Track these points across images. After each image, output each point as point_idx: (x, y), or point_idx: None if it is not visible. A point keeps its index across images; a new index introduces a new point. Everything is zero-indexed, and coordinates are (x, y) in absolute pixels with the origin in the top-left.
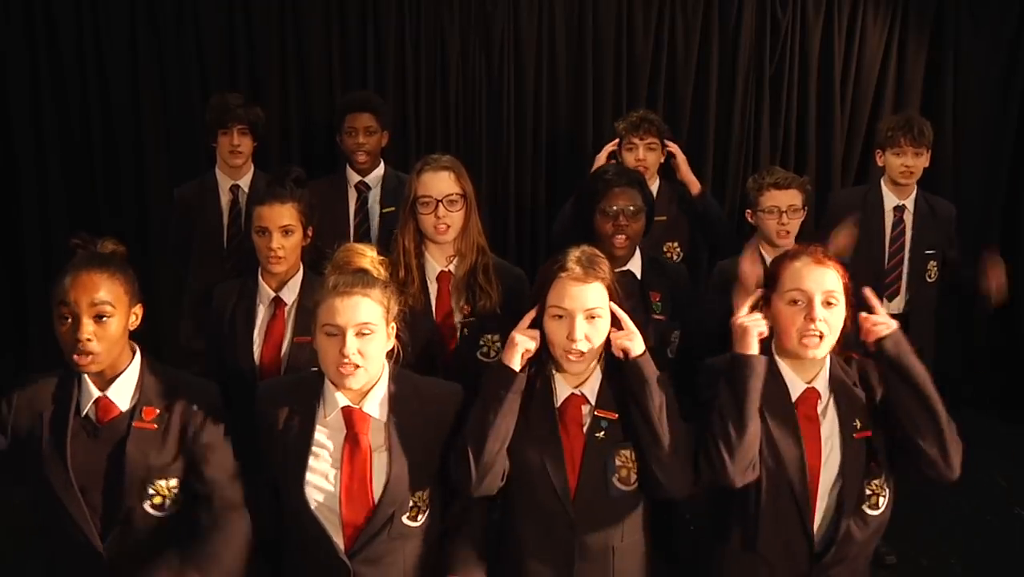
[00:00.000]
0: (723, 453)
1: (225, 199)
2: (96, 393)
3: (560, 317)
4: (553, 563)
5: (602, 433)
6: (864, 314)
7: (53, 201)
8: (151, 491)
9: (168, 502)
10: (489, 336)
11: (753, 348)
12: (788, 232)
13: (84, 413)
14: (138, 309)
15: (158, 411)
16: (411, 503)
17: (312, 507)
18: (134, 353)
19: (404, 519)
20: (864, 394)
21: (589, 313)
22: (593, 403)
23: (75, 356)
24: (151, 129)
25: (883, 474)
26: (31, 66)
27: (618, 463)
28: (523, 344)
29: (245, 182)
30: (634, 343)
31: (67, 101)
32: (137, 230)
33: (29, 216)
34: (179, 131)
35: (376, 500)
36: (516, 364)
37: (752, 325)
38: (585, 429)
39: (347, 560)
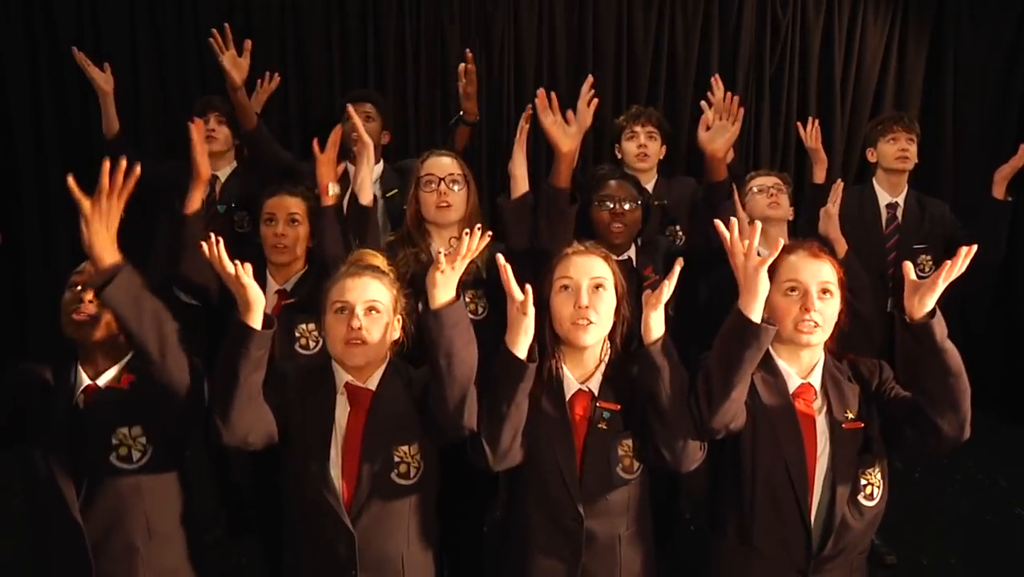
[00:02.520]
0: (703, 411)
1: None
2: (86, 381)
3: (566, 288)
4: (560, 555)
5: (604, 424)
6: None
7: (53, 201)
8: (115, 440)
9: (136, 454)
10: (472, 292)
11: (758, 310)
12: (779, 204)
13: (74, 402)
14: None
15: (135, 377)
16: (396, 458)
17: (331, 480)
18: (129, 353)
19: (393, 476)
20: (858, 387)
21: (595, 282)
22: (596, 394)
23: (74, 315)
24: (151, 129)
25: (876, 465)
26: (31, 66)
27: (620, 453)
28: (525, 326)
29: (223, 173)
30: (654, 324)
31: (67, 101)
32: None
33: (29, 216)
34: (179, 131)
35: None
36: (523, 352)
37: (762, 275)
38: (589, 420)
39: (351, 525)
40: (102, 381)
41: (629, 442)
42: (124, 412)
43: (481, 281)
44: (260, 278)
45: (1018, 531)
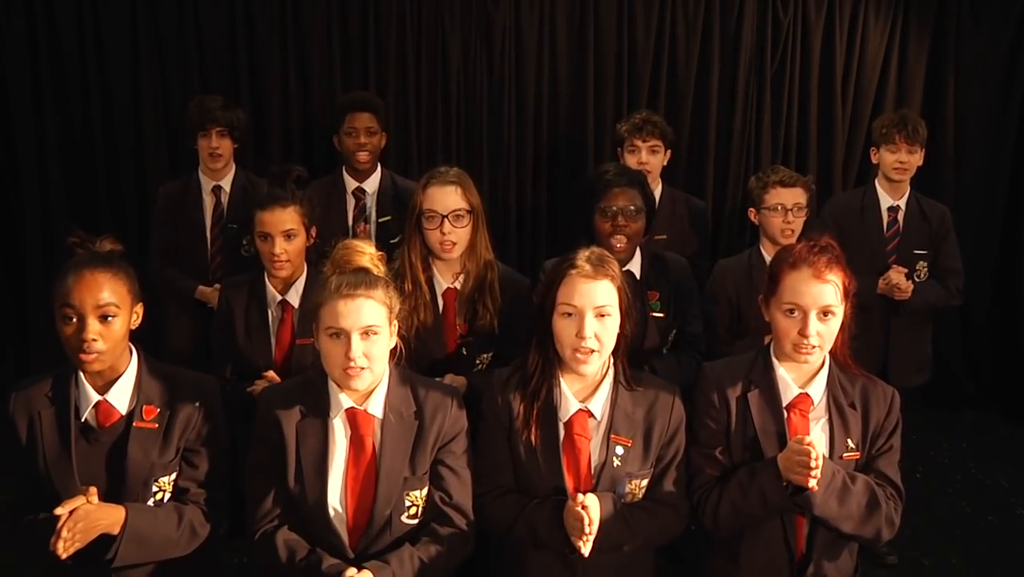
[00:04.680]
0: (708, 528)
1: (208, 201)
2: (95, 397)
3: (569, 315)
4: (558, 558)
5: (618, 461)
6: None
7: (53, 201)
8: (154, 488)
9: (167, 496)
10: (485, 355)
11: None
12: (792, 231)
13: (84, 418)
14: (139, 308)
15: (158, 410)
16: (407, 502)
17: (330, 514)
18: (131, 354)
19: (403, 518)
20: (860, 416)
21: (599, 311)
22: (599, 419)
23: (81, 355)
24: (151, 129)
25: None
26: (31, 66)
27: (628, 488)
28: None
29: (227, 183)
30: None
31: (67, 101)
32: (139, 230)
33: (30, 216)
34: (179, 131)
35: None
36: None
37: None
38: (597, 451)
39: (351, 554)
40: (115, 400)
41: (639, 482)
42: (164, 460)
43: (494, 338)
44: (260, 286)
45: (1018, 531)
